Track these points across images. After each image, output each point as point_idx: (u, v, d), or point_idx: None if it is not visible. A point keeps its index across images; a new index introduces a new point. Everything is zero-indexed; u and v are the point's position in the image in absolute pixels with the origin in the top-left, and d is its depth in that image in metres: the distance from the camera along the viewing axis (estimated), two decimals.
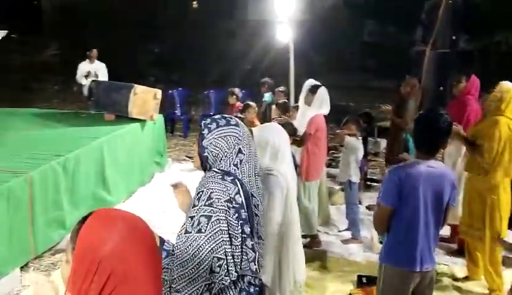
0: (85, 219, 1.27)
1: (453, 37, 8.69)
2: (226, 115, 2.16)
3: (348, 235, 5.28)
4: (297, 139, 4.85)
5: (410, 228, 2.74)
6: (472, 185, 4.11)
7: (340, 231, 5.45)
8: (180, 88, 10.60)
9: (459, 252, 4.75)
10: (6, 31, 8.56)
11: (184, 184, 2.35)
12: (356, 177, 5.20)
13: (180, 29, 16.91)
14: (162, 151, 7.28)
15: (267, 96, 7.44)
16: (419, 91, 7.32)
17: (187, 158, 7.99)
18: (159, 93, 6.67)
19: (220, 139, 2.04)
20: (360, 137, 5.34)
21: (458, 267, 4.52)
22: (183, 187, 2.33)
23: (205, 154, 2.07)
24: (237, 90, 7.35)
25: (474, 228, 4.08)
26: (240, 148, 2.05)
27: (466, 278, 4.34)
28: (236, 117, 5.14)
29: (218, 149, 2.03)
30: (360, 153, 5.27)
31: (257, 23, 15.20)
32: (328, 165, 7.55)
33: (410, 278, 2.78)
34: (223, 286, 1.93)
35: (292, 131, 4.57)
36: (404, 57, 10.66)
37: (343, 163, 5.36)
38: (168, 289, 1.93)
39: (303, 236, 4.98)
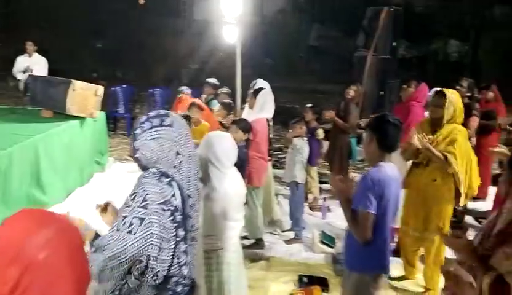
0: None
1: (394, 44, 8.97)
2: (162, 112, 2.06)
3: (291, 235, 5.33)
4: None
5: (383, 232, 2.77)
6: (425, 189, 4.11)
7: (283, 231, 5.50)
8: (124, 85, 10.31)
9: (395, 252, 4.90)
10: None
11: (112, 205, 2.24)
12: (301, 178, 5.26)
13: (125, 25, 16.52)
14: (103, 150, 7.06)
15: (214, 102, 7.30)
16: (361, 96, 7.55)
17: (129, 158, 7.80)
18: (100, 89, 6.45)
19: (152, 141, 1.97)
20: (305, 139, 5.41)
21: (394, 266, 4.63)
22: (111, 209, 2.22)
23: (137, 156, 2.00)
24: (185, 89, 7.22)
25: (418, 230, 4.14)
26: (178, 150, 2.00)
27: (402, 278, 4.47)
28: (184, 116, 5.08)
29: (150, 152, 1.97)
30: (306, 154, 5.34)
31: (204, 23, 15.11)
32: (274, 166, 7.61)
33: (381, 281, 2.86)
34: (132, 288, 1.91)
35: (246, 128, 4.54)
36: (348, 62, 10.92)
37: (288, 163, 5.41)
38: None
39: (245, 238, 5.03)
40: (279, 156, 8.28)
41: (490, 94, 6.54)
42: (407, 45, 17.86)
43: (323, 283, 4.24)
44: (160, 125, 1.99)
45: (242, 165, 3.58)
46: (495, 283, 2.13)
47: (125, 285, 1.92)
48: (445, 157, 3.88)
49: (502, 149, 4.05)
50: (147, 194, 1.88)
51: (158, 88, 10.25)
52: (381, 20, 8.53)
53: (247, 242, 5.05)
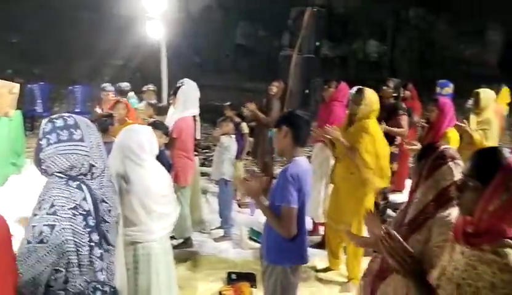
0: None
1: (317, 44, 9.25)
2: (71, 122, 1.88)
3: (220, 233, 5.35)
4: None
5: (301, 224, 2.86)
6: (342, 182, 4.32)
7: (212, 229, 5.50)
8: (42, 83, 9.79)
9: (320, 245, 5.07)
10: None
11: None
12: (229, 175, 5.28)
13: (42, 19, 15.66)
14: (19, 151, 6.65)
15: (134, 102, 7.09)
16: (287, 93, 7.71)
17: None
18: (16, 87, 6.07)
19: (60, 157, 1.83)
20: (233, 136, 5.43)
21: (319, 258, 4.81)
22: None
23: (43, 167, 1.88)
24: (108, 86, 6.96)
25: (341, 223, 4.29)
26: (91, 163, 1.89)
27: (326, 269, 4.64)
28: (108, 115, 4.90)
29: (58, 166, 1.84)
30: (234, 151, 5.37)
31: (127, 18, 14.68)
32: (202, 164, 7.58)
33: (300, 271, 2.97)
34: None
35: (166, 131, 4.47)
36: (274, 60, 11.11)
37: (216, 161, 5.41)
38: None
39: (172, 237, 4.97)
40: (208, 154, 8.26)
41: (407, 93, 6.91)
42: (329, 45, 18.49)
43: (251, 278, 4.29)
44: (70, 140, 1.85)
45: (166, 168, 3.54)
46: None
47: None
48: (354, 149, 4.11)
49: (416, 146, 4.32)
50: (55, 200, 1.78)
51: (78, 85, 9.84)
52: (305, 20, 8.76)
53: (174, 242, 4.98)
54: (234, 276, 4.31)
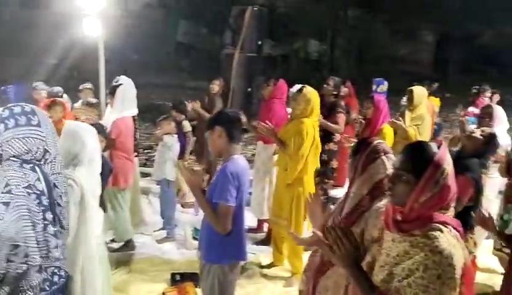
0: None
1: (259, 42, 9.31)
2: (28, 109, 1.96)
3: (163, 234, 5.28)
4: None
5: (240, 222, 2.89)
6: (281, 178, 4.43)
7: (155, 231, 5.41)
8: None
9: (264, 241, 5.13)
10: None
11: None
12: (172, 175, 5.21)
13: None
14: None
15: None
16: (230, 92, 7.72)
17: None
18: None
19: (18, 140, 1.91)
20: (175, 135, 5.37)
21: (264, 255, 4.86)
22: None
23: None
24: (40, 84, 6.64)
25: (282, 218, 4.38)
26: (45, 148, 1.96)
27: (271, 265, 4.69)
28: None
29: (14, 150, 1.91)
30: (176, 151, 5.31)
31: (62, 15, 14.11)
32: (144, 164, 7.44)
33: (239, 269, 2.98)
34: (18, 274, 1.84)
35: (105, 135, 4.33)
36: (216, 58, 11.08)
37: (158, 161, 5.33)
38: None
39: (113, 241, 4.86)
40: (150, 154, 8.12)
41: (345, 90, 7.10)
42: (271, 44, 18.66)
43: (196, 278, 4.20)
44: (27, 124, 1.93)
45: (106, 172, 3.45)
46: None
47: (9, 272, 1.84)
48: (286, 146, 4.22)
49: (353, 142, 4.46)
50: (9, 179, 1.85)
51: (11, 84, 9.34)
52: (247, 19, 8.79)
53: (115, 245, 4.89)
54: (178, 277, 4.27)
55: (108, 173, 3.75)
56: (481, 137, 3.54)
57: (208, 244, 2.94)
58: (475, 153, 3.50)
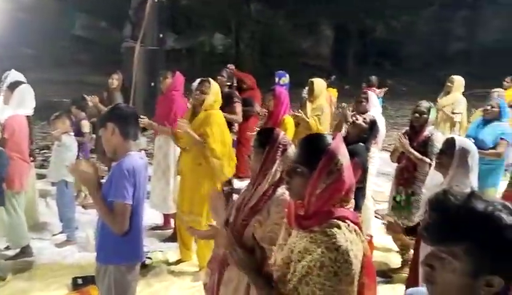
0: None
1: (161, 35, 9.10)
2: None
3: (63, 237, 5.02)
4: None
5: (137, 221, 2.75)
6: (193, 173, 4.33)
7: (54, 235, 5.13)
8: None
9: (172, 238, 5.05)
10: None
11: None
12: (71, 176, 4.93)
13: None
14: None
15: None
16: (132, 87, 7.47)
17: None
18: None
19: None
20: (72, 133, 5.11)
21: (171, 251, 4.79)
22: None
23: None
24: None
25: (193, 214, 4.30)
26: None
27: (179, 261, 4.63)
28: None
29: None
30: (75, 150, 5.05)
31: None
32: (41, 166, 6.99)
33: (137, 269, 2.84)
34: None
35: None
36: (116, 52, 10.68)
37: (55, 161, 5.05)
38: None
39: (8, 248, 4.53)
40: (47, 155, 7.64)
41: (248, 83, 7.20)
42: (175, 38, 18.41)
43: None
44: None
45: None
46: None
47: None
48: (202, 139, 4.18)
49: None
50: None
51: None
52: (147, 11, 8.54)
53: (11, 252, 4.56)
54: (80, 281, 4.07)
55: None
56: (364, 124, 3.76)
57: (103, 244, 2.80)
58: (359, 139, 3.72)
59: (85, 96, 6.09)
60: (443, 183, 3.02)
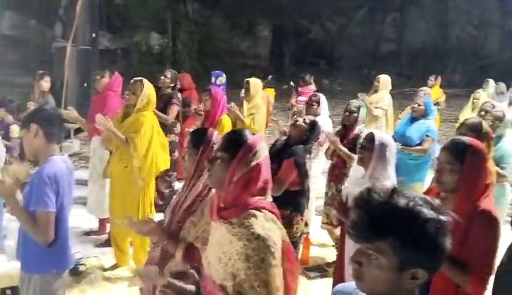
0: None
1: (93, 35, 8.83)
2: None
3: None
4: None
5: (63, 228, 2.65)
6: (122, 176, 4.24)
7: None
8: None
9: (108, 243, 4.92)
10: None
11: None
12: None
13: None
14: None
15: None
16: (64, 87, 7.22)
17: None
18: None
19: None
20: None
21: (107, 257, 4.66)
22: None
23: None
24: None
25: (120, 217, 4.22)
26: None
27: (114, 266, 4.52)
28: None
29: None
30: (3, 155, 4.80)
31: None
32: None
33: (65, 276, 2.77)
34: None
35: None
36: (47, 52, 10.25)
37: None
38: None
39: None
40: None
41: (184, 83, 7.15)
42: (109, 37, 17.89)
43: None
44: None
45: None
46: (187, 252, 2.36)
47: None
48: (129, 140, 4.11)
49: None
50: None
51: None
52: (78, 9, 8.27)
53: None
54: (9, 292, 3.87)
55: None
56: (305, 125, 3.81)
57: (27, 253, 2.68)
58: (300, 140, 3.76)
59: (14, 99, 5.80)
60: (365, 176, 3.16)
